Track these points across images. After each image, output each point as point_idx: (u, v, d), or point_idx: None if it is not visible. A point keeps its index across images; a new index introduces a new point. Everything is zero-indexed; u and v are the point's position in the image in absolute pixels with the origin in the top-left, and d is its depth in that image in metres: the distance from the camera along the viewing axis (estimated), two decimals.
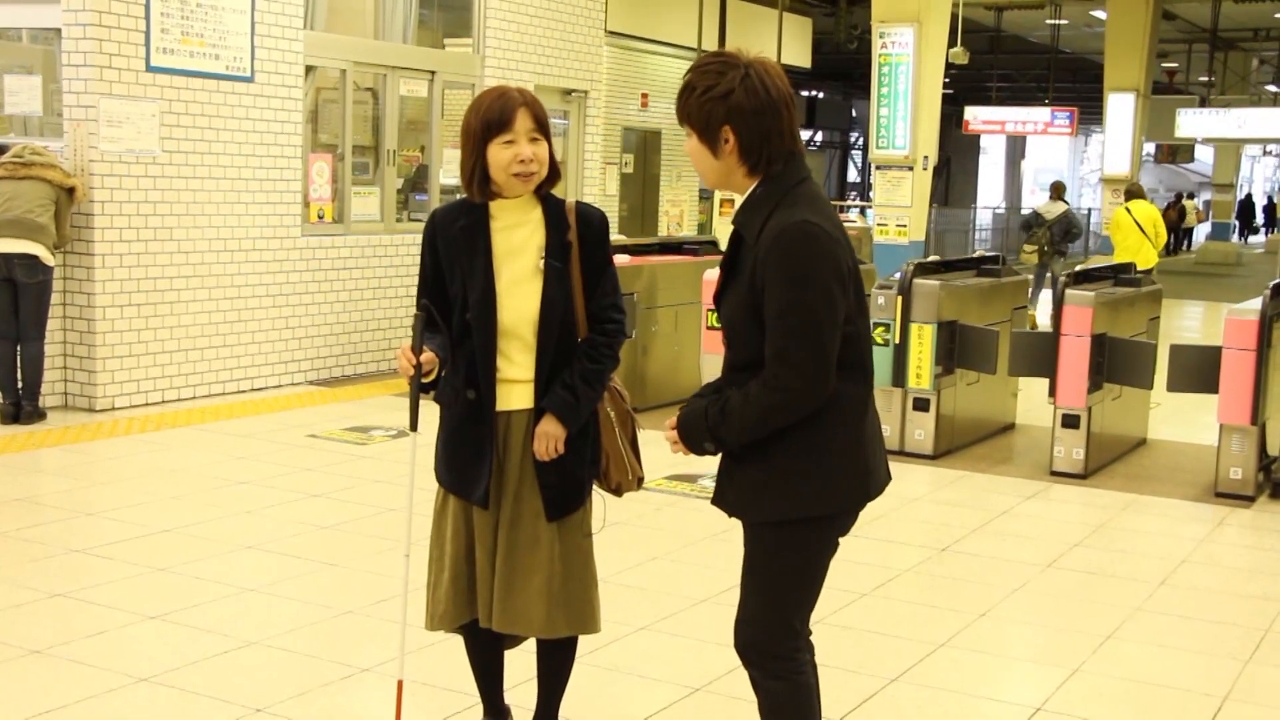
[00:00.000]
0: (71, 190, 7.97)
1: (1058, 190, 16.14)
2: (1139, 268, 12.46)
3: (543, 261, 3.32)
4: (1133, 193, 14.66)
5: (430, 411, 3.40)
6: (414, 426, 3.36)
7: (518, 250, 3.33)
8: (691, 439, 2.90)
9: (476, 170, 3.28)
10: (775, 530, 2.87)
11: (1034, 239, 15.46)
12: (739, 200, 2.89)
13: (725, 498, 2.94)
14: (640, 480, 3.55)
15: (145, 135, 8.43)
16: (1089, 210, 33.89)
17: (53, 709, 3.92)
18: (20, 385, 7.90)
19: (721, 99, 2.79)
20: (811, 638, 3.05)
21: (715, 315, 8.15)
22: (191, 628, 4.63)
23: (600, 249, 3.41)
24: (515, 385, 3.34)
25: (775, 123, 2.81)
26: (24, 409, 7.87)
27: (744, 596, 2.95)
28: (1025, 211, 23.31)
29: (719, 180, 2.90)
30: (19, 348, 7.88)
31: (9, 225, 7.68)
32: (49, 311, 7.99)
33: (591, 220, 3.41)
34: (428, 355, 3.25)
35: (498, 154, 3.25)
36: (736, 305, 2.84)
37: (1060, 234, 15.35)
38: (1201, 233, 39.35)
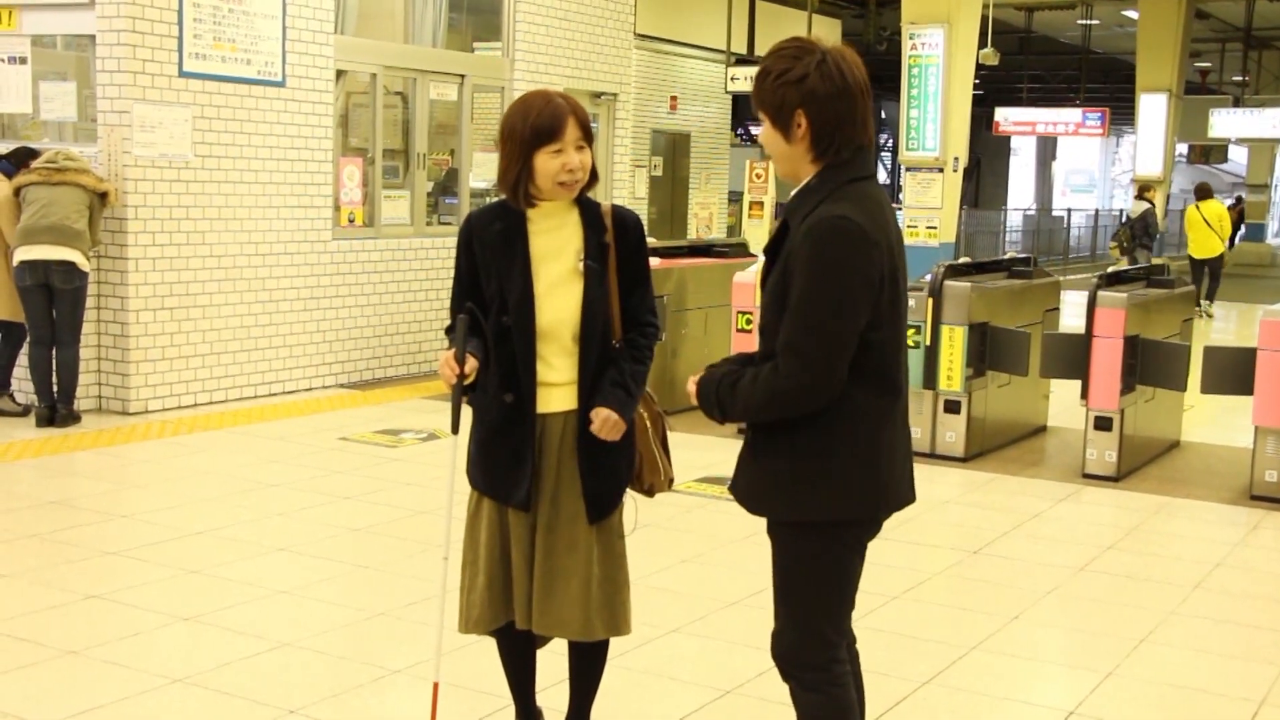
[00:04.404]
0: (104, 195, 8.03)
1: (1142, 191, 18.85)
2: (1209, 255, 17.17)
3: (582, 264, 3.33)
4: (1203, 193, 17.47)
5: (469, 414, 3.41)
6: (455, 429, 3.37)
7: (556, 253, 3.34)
8: (704, 402, 2.92)
9: (521, 177, 3.27)
10: (789, 532, 2.86)
11: (1117, 235, 18.17)
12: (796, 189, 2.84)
13: (736, 486, 2.94)
14: (671, 481, 3.56)
15: (178, 140, 8.49)
16: (1120, 211, 33.66)
17: (88, 709, 3.95)
18: (55, 389, 7.97)
19: (796, 83, 2.75)
20: (856, 645, 3.03)
21: (745, 318, 8.18)
22: (225, 629, 4.66)
23: (638, 253, 3.43)
24: (554, 388, 3.35)
25: (850, 109, 2.76)
26: (59, 412, 7.94)
27: (775, 606, 2.94)
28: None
29: (789, 168, 2.85)
30: (54, 352, 7.95)
31: (46, 232, 7.75)
32: (84, 316, 8.06)
33: (628, 224, 3.42)
34: (472, 363, 3.25)
35: (546, 163, 3.24)
36: (771, 293, 2.81)
37: (1140, 230, 17.70)
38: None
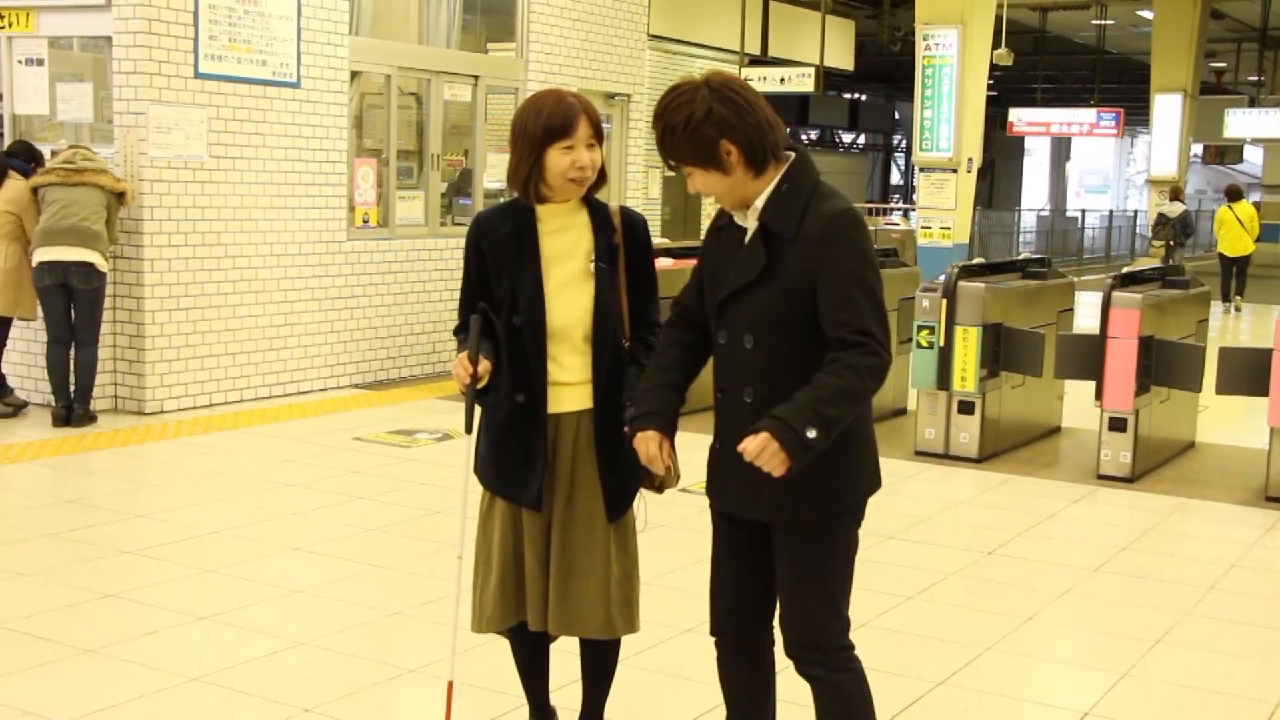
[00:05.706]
0: (121, 195, 8.06)
1: (1175, 193, 19.95)
2: (1240, 254, 17.96)
3: (593, 265, 3.34)
4: (1234, 194, 18.39)
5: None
6: (469, 429, 3.39)
7: (566, 253, 3.35)
8: (790, 431, 2.69)
9: (533, 174, 3.29)
10: (828, 524, 2.90)
11: (1161, 235, 19.03)
12: (760, 200, 2.88)
13: (763, 500, 2.90)
14: (678, 477, 3.57)
15: (194, 141, 8.52)
16: (1135, 212, 33.57)
17: (105, 708, 3.97)
18: (72, 388, 8.01)
19: (705, 120, 2.82)
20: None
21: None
22: (240, 628, 4.68)
23: (646, 255, 3.47)
24: (566, 388, 3.36)
25: (762, 118, 2.86)
26: (76, 412, 7.98)
27: (793, 598, 2.94)
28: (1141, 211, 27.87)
29: (737, 197, 2.91)
30: (72, 352, 7.99)
31: (66, 233, 7.78)
32: (102, 316, 8.09)
33: (637, 226, 3.45)
34: (485, 365, 3.26)
35: (557, 160, 3.26)
36: (771, 302, 2.85)
37: (1180, 230, 18.77)
38: None
